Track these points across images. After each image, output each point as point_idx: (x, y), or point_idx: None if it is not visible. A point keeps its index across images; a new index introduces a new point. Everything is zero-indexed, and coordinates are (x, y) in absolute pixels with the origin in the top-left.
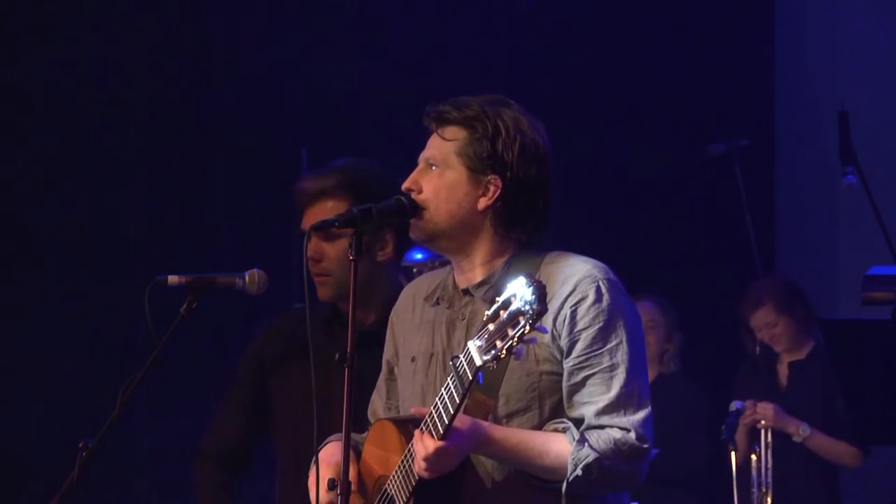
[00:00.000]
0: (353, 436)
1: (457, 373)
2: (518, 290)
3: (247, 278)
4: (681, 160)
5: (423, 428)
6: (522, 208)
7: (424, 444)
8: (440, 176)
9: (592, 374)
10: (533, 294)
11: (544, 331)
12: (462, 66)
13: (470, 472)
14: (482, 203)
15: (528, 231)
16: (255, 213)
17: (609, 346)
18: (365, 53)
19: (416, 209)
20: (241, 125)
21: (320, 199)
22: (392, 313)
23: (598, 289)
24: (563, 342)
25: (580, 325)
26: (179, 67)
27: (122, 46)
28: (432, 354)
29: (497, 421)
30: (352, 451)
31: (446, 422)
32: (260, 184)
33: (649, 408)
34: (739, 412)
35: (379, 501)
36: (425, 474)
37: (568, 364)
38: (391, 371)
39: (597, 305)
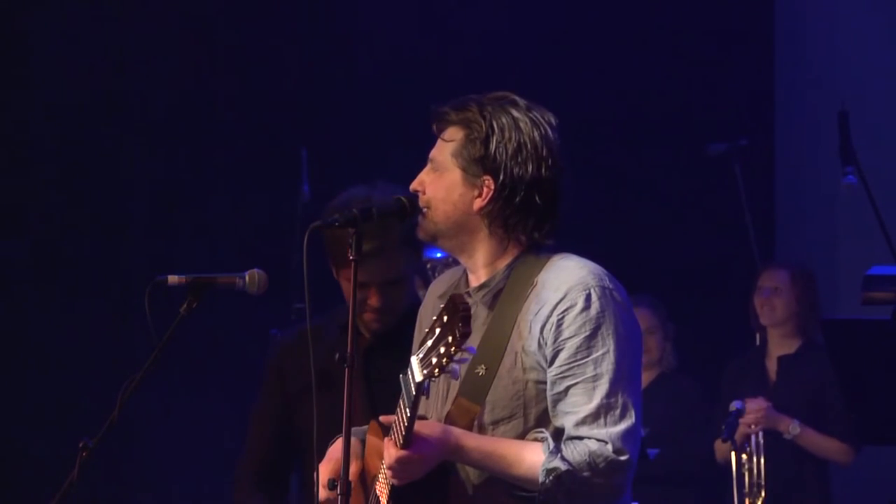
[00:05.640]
0: (359, 430)
1: (405, 386)
2: (449, 308)
3: (247, 278)
4: (681, 160)
5: (391, 436)
6: (519, 209)
7: (388, 453)
8: (440, 177)
9: (575, 384)
10: (459, 314)
11: (472, 351)
12: (462, 65)
13: (451, 478)
14: (477, 204)
15: (528, 231)
16: (256, 213)
17: (594, 355)
18: (365, 53)
19: (416, 209)
20: (242, 125)
21: (382, 254)
22: (420, 308)
23: (587, 297)
24: (549, 350)
25: (565, 334)
26: (179, 67)
27: (122, 45)
28: None
29: (482, 428)
30: (359, 445)
31: (403, 432)
32: (260, 184)
33: (633, 420)
34: (740, 412)
35: (371, 498)
36: (394, 481)
37: (551, 373)
38: None
39: (584, 314)
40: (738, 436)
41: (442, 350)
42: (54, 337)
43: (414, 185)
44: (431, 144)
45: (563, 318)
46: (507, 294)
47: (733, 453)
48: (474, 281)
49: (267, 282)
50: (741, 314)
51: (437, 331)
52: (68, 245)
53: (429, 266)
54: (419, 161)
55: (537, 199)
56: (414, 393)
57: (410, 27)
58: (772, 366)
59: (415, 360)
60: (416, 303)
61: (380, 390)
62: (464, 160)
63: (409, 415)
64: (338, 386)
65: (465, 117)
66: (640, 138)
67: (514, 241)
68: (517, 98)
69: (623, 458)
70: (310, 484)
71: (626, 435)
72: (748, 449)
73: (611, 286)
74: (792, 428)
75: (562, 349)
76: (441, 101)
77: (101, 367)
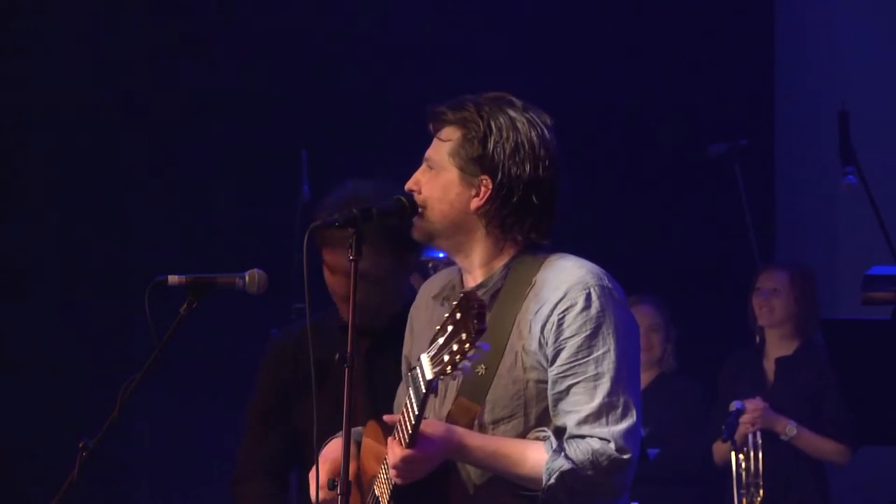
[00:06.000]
0: (355, 431)
1: (413, 384)
2: (463, 305)
3: (247, 278)
4: (681, 160)
5: (395, 435)
6: (516, 209)
7: (393, 452)
8: (436, 177)
9: (577, 383)
10: (474, 311)
11: (486, 348)
12: (462, 65)
13: (452, 477)
14: (474, 204)
15: (525, 231)
16: (256, 214)
17: (595, 354)
18: (365, 53)
19: (415, 209)
20: (242, 125)
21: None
22: (412, 308)
23: (588, 296)
24: (549, 350)
25: (566, 333)
26: (179, 67)
27: (122, 46)
28: None
29: (482, 427)
30: (355, 447)
31: (410, 431)
32: (260, 184)
33: (634, 419)
34: (740, 412)
35: (370, 499)
36: (397, 481)
37: (553, 372)
38: (410, 366)
39: (585, 313)
40: (737, 436)
41: (455, 347)
42: (54, 337)
43: (409, 185)
44: (430, 144)
45: (563, 317)
46: (506, 294)
47: (733, 453)
48: (471, 281)
49: (267, 282)
50: (741, 314)
51: (450, 328)
52: (68, 245)
53: (430, 265)
54: (419, 162)
55: (534, 199)
56: (424, 391)
57: (411, 27)
58: (769, 367)
59: (425, 358)
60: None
61: (383, 391)
62: (461, 159)
63: (416, 413)
64: (338, 385)
65: (463, 117)
66: (640, 138)
67: (511, 241)
68: (513, 98)
69: (626, 456)
70: (307, 484)
71: (628, 434)
72: (745, 448)
73: (609, 285)
74: (789, 429)
75: (563, 348)
76: (439, 100)
77: (101, 367)
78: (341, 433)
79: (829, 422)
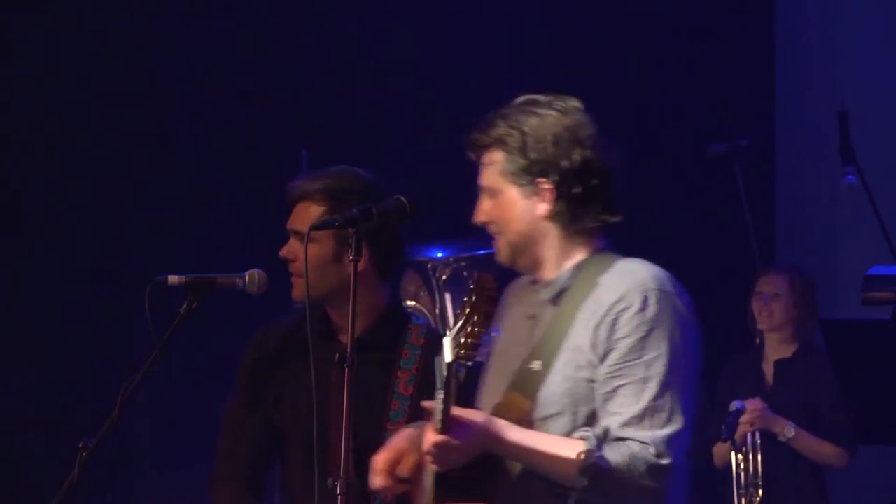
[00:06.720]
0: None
1: (437, 369)
2: (477, 289)
3: (247, 278)
4: (681, 160)
5: (433, 421)
6: (582, 198)
7: (427, 437)
8: (498, 201)
9: (624, 385)
10: (485, 295)
11: (496, 333)
12: (462, 67)
13: (497, 469)
14: (543, 209)
15: (597, 217)
16: (255, 213)
17: (646, 357)
18: (365, 54)
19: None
20: (241, 125)
21: (301, 201)
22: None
23: (645, 299)
24: (601, 349)
25: (619, 335)
26: (179, 66)
27: (121, 45)
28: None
29: (530, 423)
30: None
31: (440, 416)
32: (260, 184)
33: (680, 425)
34: (739, 412)
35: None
36: (433, 465)
37: (602, 372)
38: None
39: (640, 315)
40: (737, 436)
41: (469, 330)
42: (54, 337)
43: (480, 218)
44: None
45: (618, 318)
46: (571, 293)
47: (732, 453)
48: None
49: (267, 282)
50: (741, 315)
51: (467, 311)
52: (67, 244)
53: (429, 266)
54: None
55: (594, 181)
56: (445, 373)
57: (411, 28)
58: (768, 369)
59: (447, 341)
60: (396, 305)
61: (359, 392)
62: (512, 175)
63: (442, 396)
64: (316, 388)
65: (497, 135)
66: (641, 138)
67: (585, 236)
68: (536, 97)
69: (664, 462)
70: (292, 484)
71: (671, 439)
72: (745, 448)
73: (672, 291)
74: (787, 430)
75: (614, 349)
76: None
77: (101, 367)
78: (417, 424)
79: (827, 425)
